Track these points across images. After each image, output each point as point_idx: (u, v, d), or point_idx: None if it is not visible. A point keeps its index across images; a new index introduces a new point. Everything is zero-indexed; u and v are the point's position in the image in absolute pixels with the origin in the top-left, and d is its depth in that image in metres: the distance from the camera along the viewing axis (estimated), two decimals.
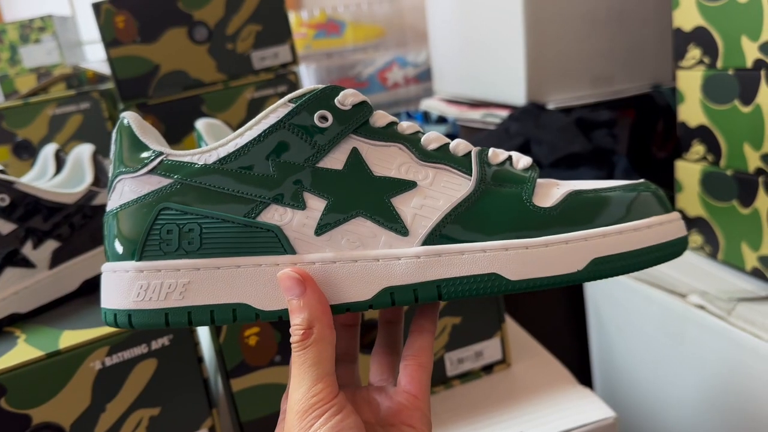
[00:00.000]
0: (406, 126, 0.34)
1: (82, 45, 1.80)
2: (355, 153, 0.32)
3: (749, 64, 0.71)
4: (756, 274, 0.75)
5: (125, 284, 0.31)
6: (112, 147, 0.34)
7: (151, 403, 0.46)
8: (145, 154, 0.33)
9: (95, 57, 1.78)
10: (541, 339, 0.80)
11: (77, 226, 0.51)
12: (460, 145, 0.34)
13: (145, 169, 0.32)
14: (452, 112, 1.27)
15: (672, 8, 0.82)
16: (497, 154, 0.35)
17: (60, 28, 1.58)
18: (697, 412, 0.73)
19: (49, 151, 0.58)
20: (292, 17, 1.62)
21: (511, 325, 0.74)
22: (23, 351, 0.42)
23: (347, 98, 0.33)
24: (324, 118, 0.33)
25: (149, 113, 0.78)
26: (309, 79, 1.57)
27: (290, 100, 0.33)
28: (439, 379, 0.57)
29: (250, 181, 0.32)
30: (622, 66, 1.09)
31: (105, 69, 1.42)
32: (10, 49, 1.57)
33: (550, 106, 1.03)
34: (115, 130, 0.34)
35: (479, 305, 0.52)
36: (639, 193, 0.33)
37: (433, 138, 0.34)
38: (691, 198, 0.84)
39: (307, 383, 0.29)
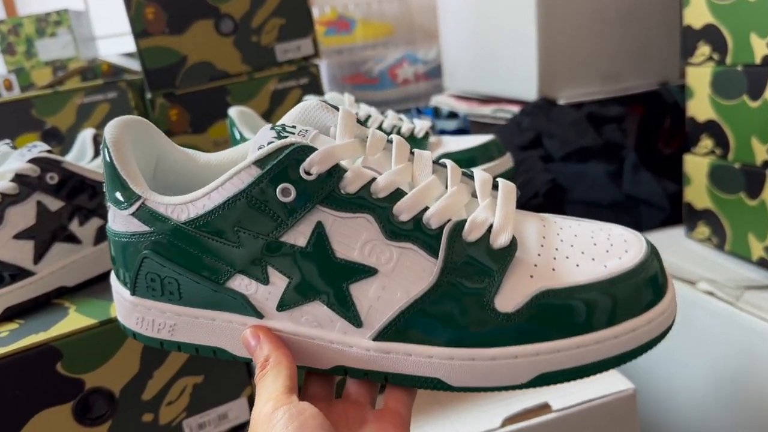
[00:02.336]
0: (381, 186, 0.30)
1: (95, 39, 1.82)
2: (319, 227, 0.30)
3: (758, 60, 0.74)
4: (762, 264, 0.78)
5: (127, 310, 0.34)
6: (103, 162, 0.34)
7: (194, 371, 0.48)
8: (126, 195, 0.32)
9: (107, 52, 1.81)
10: None
11: None
12: (433, 218, 0.30)
13: (127, 211, 0.32)
14: (463, 107, 1.30)
15: (683, 7, 0.85)
16: (474, 228, 0.30)
17: (75, 22, 1.61)
18: (707, 393, 0.75)
19: (87, 135, 0.60)
20: None
21: None
22: (76, 319, 0.45)
23: (313, 166, 0.30)
24: (286, 192, 0.30)
25: (176, 103, 0.80)
26: (322, 73, 1.60)
27: (255, 162, 0.30)
28: None
29: (218, 250, 0.31)
30: (630, 64, 1.12)
31: (120, 62, 1.44)
32: (26, 42, 1.59)
33: (561, 102, 1.06)
34: (101, 147, 0.33)
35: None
36: (635, 288, 0.30)
37: (405, 207, 0.30)
38: (699, 191, 0.87)
39: (266, 395, 0.29)
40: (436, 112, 1.42)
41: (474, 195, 0.32)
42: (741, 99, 0.77)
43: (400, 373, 0.31)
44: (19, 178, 0.48)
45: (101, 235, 0.52)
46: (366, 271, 0.30)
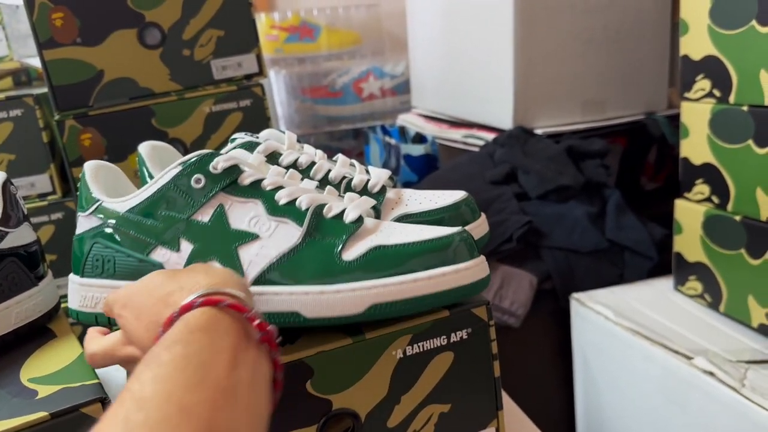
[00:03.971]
0: (267, 183, 0.42)
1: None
2: (220, 208, 0.42)
3: (767, 101, 0.64)
4: (763, 331, 0.68)
5: (74, 292, 0.45)
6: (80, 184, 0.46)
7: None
8: (89, 200, 0.45)
9: None
10: (526, 389, 0.72)
11: None
12: (304, 201, 0.42)
13: (88, 212, 0.45)
14: (431, 129, 1.19)
15: (679, 33, 0.75)
16: (331, 208, 0.42)
17: (9, 17, 1.46)
18: None
19: None
20: (263, 18, 1.52)
21: (509, 406, 0.65)
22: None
23: (219, 163, 0.42)
24: (199, 180, 0.42)
25: (89, 125, 0.68)
26: (278, 87, 1.47)
27: (180, 163, 0.42)
28: None
29: (146, 228, 0.43)
30: (615, 90, 1.02)
31: None
32: None
33: (538, 132, 0.95)
34: (81, 174, 0.47)
35: (471, 390, 0.44)
36: (444, 246, 0.40)
37: (284, 195, 0.42)
38: (691, 241, 0.77)
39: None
40: (402, 132, 1.31)
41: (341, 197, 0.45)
42: (746, 143, 0.68)
43: (269, 311, 0.40)
44: None
45: None
46: (251, 236, 0.41)
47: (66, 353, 0.43)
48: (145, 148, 0.52)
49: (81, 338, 0.46)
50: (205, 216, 0.42)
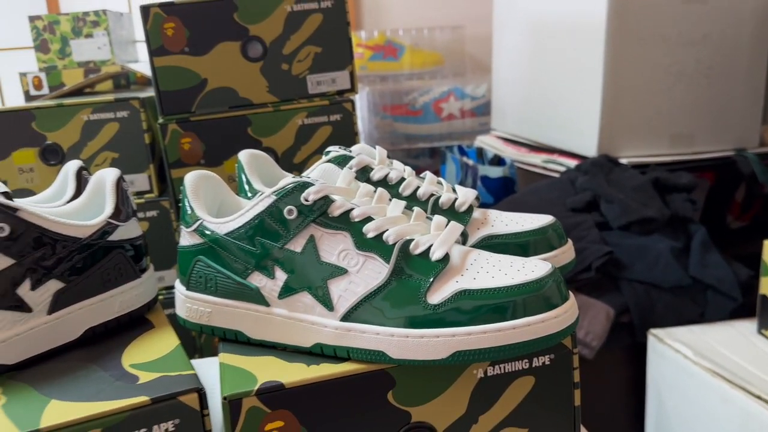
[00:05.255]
0: (356, 214, 0.43)
1: (135, 43, 1.76)
2: (311, 239, 0.43)
3: None
4: None
5: (181, 302, 0.47)
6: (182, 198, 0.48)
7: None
8: (192, 218, 0.47)
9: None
10: (596, 423, 0.71)
11: (89, 264, 0.44)
12: (391, 236, 0.42)
13: (191, 228, 0.46)
14: (510, 152, 1.19)
15: None
16: (418, 245, 0.42)
17: (114, 24, 1.55)
18: None
19: (70, 168, 0.51)
20: None
21: None
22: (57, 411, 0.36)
23: (310, 195, 0.43)
24: (291, 212, 0.43)
25: (190, 130, 0.71)
26: (360, 103, 1.50)
27: (273, 192, 0.44)
28: None
29: (243, 253, 0.44)
30: (705, 125, 1.00)
31: None
32: (61, 40, 1.53)
33: (623, 161, 0.94)
34: (181, 188, 0.48)
35: (550, 416, 0.44)
36: (533, 292, 0.39)
37: (372, 228, 0.42)
38: None
39: None
40: (479, 154, 1.31)
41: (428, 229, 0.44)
42: None
43: (357, 347, 0.42)
44: None
45: (60, 301, 0.42)
46: (340, 271, 0.42)
47: (164, 343, 0.45)
48: (244, 155, 0.54)
49: (176, 330, 0.48)
50: (297, 246, 0.43)
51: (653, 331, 0.81)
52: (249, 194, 0.52)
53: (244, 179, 0.54)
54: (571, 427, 0.45)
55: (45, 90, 1.43)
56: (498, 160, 1.22)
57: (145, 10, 0.68)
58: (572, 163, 0.99)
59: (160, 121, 0.71)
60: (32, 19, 1.52)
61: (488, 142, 1.31)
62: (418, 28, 1.65)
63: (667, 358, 0.79)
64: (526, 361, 0.43)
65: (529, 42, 1.16)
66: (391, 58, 1.63)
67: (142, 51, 1.84)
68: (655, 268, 0.81)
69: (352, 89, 0.75)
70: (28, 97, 1.46)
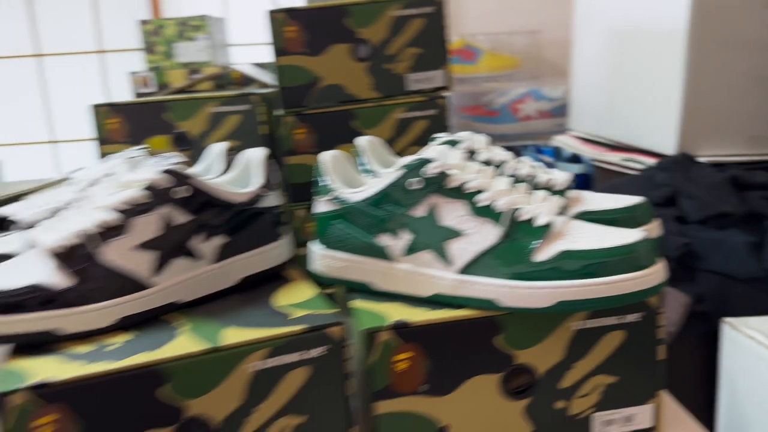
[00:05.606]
0: (470, 186, 0.50)
1: (229, 46, 1.90)
2: (432, 206, 0.50)
3: None
4: None
5: (318, 258, 0.55)
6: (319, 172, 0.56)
7: (296, 412, 0.47)
8: (329, 187, 0.55)
9: (239, 59, 1.88)
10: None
11: (245, 224, 0.53)
12: (500, 205, 0.49)
13: (328, 197, 0.54)
14: (588, 151, 1.24)
15: None
16: (523, 213, 0.48)
17: (214, 28, 1.68)
18: None
19: (218, 149, 0.61)
20: None
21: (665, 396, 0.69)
22: (184, 343, 0.44)
23: (430, 169, 0.50)
24: (415, 183, 0.50)
25: (304, 122, 0.80)
26: None
27: (402, 166, 0.51)
28: None
29: (373, 217, 0.52)
30: None
31: (251, 72, 1.48)
32: (166, 43, 1.67)
33: (702, 160, 0.98)
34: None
35: (636, 367, 0.50)
36: (627, 253, 0.45)
37: (484, 198, 0.49)
38: None
39: None
40: (556, 153, 1.37)
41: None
42: None
43: (471, 296, 0.49)
44: (151, 187, 0.49)
45: (223, 252, 0.51)
46: (457, 233, 0.49)
47: (307, 291, 0.54)
48: (363, 140, 0.62)
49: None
50: (420, 212, 0.50)
51: (727, 319, 0.84)
52: (368, 172, 0.60)
53: (364, 161, 0.62)
54: (656, 378, 0.50)
55: (152, 88, 1.57)
56: (575, 160, 1.27)
57: (272, 14, 0.77)
58: (651, 161, 1.03)
59: (281, 113, 0.80)
60: (142, 23, 1.66)
61: (566, 142, 1.36)
62: (496, 32, 1.71)
63: (742, 345, 0.82)
64: (618, 316, 0.49)
65: (609, 46, 1.21)
66: (468, 62, 1.70)
67: (234, 54, 1.97)
68: (730, 260, 0.85)
69: (447, 87, 0.83)
70: (138, 95, 1.60)
